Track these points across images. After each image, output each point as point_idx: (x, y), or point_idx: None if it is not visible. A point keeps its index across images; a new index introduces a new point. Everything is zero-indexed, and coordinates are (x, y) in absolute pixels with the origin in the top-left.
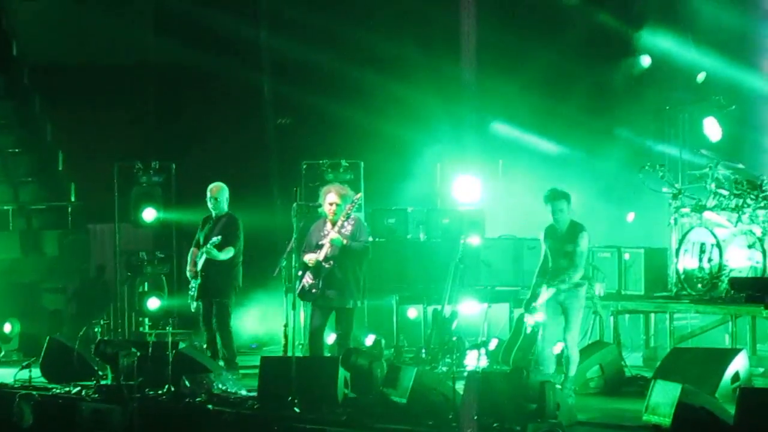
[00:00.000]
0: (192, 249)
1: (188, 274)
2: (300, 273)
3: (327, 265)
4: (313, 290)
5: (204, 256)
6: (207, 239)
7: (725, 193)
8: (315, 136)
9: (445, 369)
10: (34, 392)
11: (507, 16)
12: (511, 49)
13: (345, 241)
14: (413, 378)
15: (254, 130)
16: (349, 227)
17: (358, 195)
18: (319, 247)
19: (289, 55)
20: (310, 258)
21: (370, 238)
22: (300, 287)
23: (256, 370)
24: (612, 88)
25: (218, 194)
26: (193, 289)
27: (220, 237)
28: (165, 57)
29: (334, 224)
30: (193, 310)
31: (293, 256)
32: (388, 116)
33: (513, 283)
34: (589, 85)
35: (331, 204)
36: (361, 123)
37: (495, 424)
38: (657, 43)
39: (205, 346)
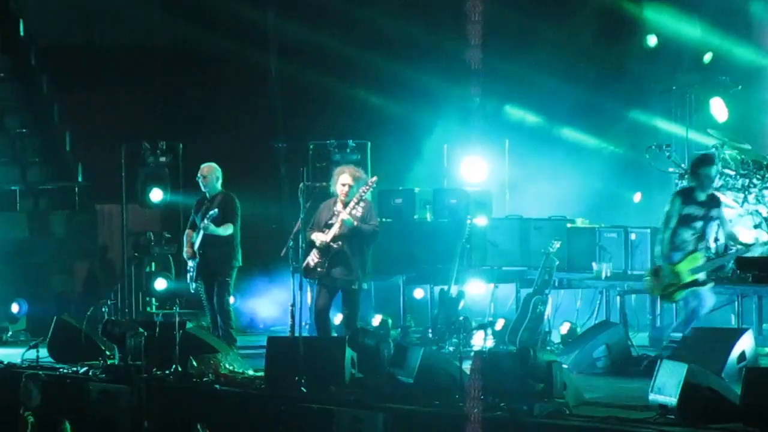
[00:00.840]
0: (187, 231)
1: (185, 255)
2: (306, 250)
3: (335, 246)
4: (319, 269)
5: (201, 235)
6: (203, 219)
7: (731, 173)
8: (322, 117)
9: (452, 349)
10: (42, 372)
11: None
12: (519, 30)
13: (356, 223)
14: (420, 358)
15: (261, 111)
16: (360, 210)
17: (374, 179)
18: (329, 226)
19: (296, 36)
20: (318, 237)
21: (379, 221)
22: (305, 264)
23: (263, 350)
24: (619, 68)
25: (209, 174)
26: (192, 269)
27: (217, 210)
28: (172, 37)
29: (345, 205)
30: (192, 291)
31: (300, 236)
32: (395, 97)
33: (519, 263)
34: (595, 65)
35: (344, 185)
36: (369, 103)
37: (502, 404)
38: (663, 23)
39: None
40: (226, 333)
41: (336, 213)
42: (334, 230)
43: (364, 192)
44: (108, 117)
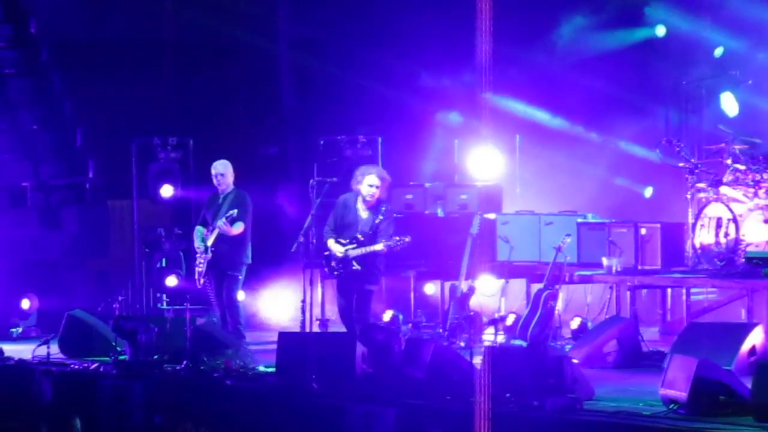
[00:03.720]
0: (198, 227)
1: (196, 246)
2: (326, 253)
3: (356, 266)
4: (335, 273)
5: (215, 232)
6: (216, 216)
7: (742, 167)
8: (333, 112)
9: (462, 344)
10: (53, 368)
11: None
12: (527, 22)
13: (384, 250)
14: (431, 353)
15: (272, 106)
16: (382, 218)
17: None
18: (348, 228)
19: (307, 30)
20: (337, 249)
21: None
22: (326, 259)
23: (272, 346)
24: (630, 61)
25: (225, 171)
26: (202, 264)
27: (237, 210)
28: (183, 32)
29: (370, 209)
30: (199, 286)
31: (310, 232)
32: (406, 91)
33: (530, 258)
34: (607, 58)
35: (371, 185)
36: (379, 98)
37: (513, 399)
38: (673, 16)
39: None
40: (235, 329)
41: (357, 214)
42: (357, 252)
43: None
44: (119, 112)
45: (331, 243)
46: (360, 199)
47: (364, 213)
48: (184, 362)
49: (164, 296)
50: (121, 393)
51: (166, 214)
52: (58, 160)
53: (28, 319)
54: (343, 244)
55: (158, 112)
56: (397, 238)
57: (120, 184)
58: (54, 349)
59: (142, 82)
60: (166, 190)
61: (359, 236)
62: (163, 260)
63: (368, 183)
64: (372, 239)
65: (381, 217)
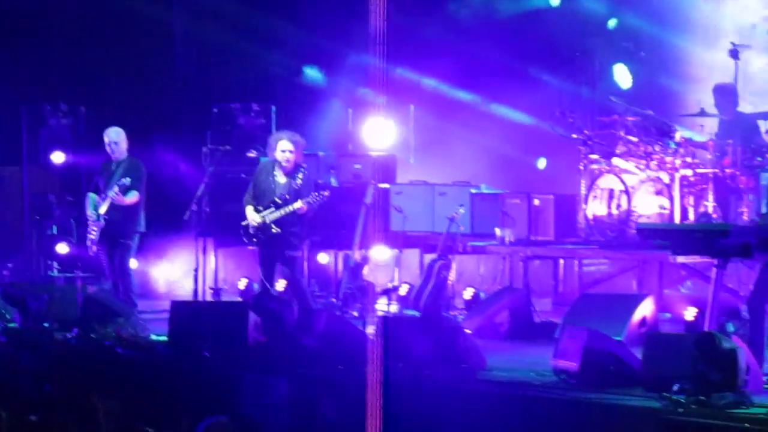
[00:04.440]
0: (90, 194)
1: (88, 213)
2: (244, 222)
3: (275, 229)
4: (254, 240)
5: (108, 201)
6: (109, 183)
7: (634, 139)
8: (227, 80)
9: (355, 314)
10: None
11: None
12: None
13: (304, 208)
14: (324, 323)
15: (164, 73)
16: (300, 182)
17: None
18: (265, 194)
19: None
20: (254, 218)
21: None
22: (244, 228)
23: (164, 315)
24: (525, 32)
25: (118, 138)
26: (94, 232)
27: (129, 179)
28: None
29: (287, 175)
30: (91, 254)
31: (203, 200)
32: (300, 60)
33: (423, 228)
34: (499, 28)
35: (283, 151)
36: (273, 67)
37: (405, 369)
38: None
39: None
40: (127, 297)
41: (275, 180)
42: (278, 214)
43: (313, 202)
44: (9, 79)
45: (248, 210)
46: (277, 165)
47: (281, 179)
48: (75, 330)
49: (55, 264)
50: (10, 361)
51: (57, 181)
52: None
53: None
54: (260, 211)
55: (50, 80)
56: (316, 193)
57: (9, 151)
58: None
59: (34, 49)
60: (57, 157)
61: (277, 200)
62: (54, 227)
63: (281, 149)
64: (290, 203)
65: (300, 181)
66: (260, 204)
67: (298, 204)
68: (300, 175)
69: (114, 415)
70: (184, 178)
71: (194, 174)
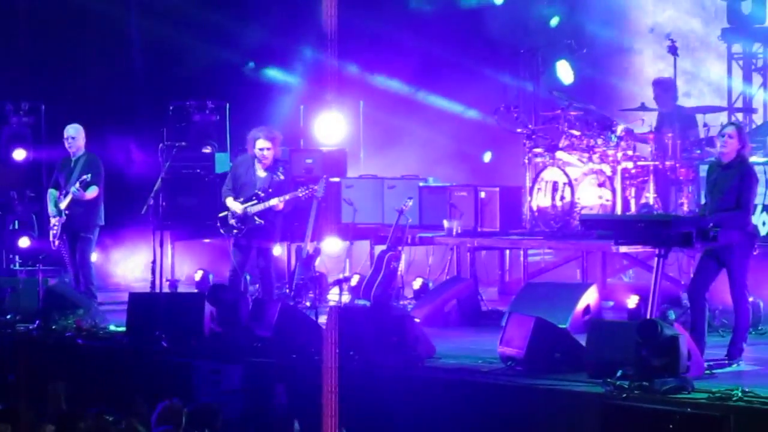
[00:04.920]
0: (51, 190)
1: (50, 212)
2: (223, 213)
3: (258, 220)
4: (234, 231)
5: (69, 196)
6: (68, 179)
7: (577, 133)
8: (182, 78)
9: (308, 304)
10: None
11: None
12: None
13: (281, 206)
14: (278, 313)
15: (122, 71)
16: (282, 176)
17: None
18: (257, 196)
19: None
20: (237, 208)
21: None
22: (222, 219)
23: (123, 306)
24: (468, 27)
25: (77, 135)
26: (56, 227)
27: (90, 174)
28: None
29: (266, 169)
30: (54, 248)
31: (161, 194)
32: (253, 57)
33: (373, 220)
34: (445, 24)
35: (261, 149)
36: (226, 65)
37: (357, 356)
38: None
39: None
40: (87, 289)
41: (255, 174)
42: (258, 209)
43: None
44: None
45: (230, 201)
46: (256, 160)
47: (262, 173)
48: (37, 322)
49: (17, 257)
50: None
51: (18, 177)
52: None
53: None
54: (242, 202)
55: (10, 78)
56: (304, 187)
57: None
58: None
59: None
60: (19, 154)
61: (259, 192)
62: (16, 222)
63: (259, 147)
64: (272, 196)
65: (280, 176)
66: (241, 196)
67: (275, 201)
68: (281, 169)
69: (68, 400)
70: (141, 173)
71: (151, 169)
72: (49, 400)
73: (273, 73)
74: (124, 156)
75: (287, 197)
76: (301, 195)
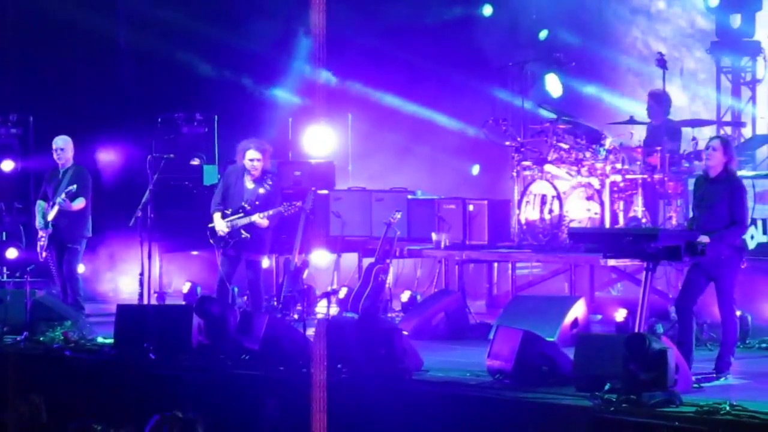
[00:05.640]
0: (39, 201)
1: (37, 225)
2: (211, 225)
3: (244, 234)
4: (222, 243)
5: (56, 208)
6: (56, 190)
7: (565, 146)
8: (170, 90)
9: (296, 317)
10: None
11: None
12: (359, 2)
13: (265, 222)
14: (265, 325)
15: (111, 84)
16: (269, 188)
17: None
18: (243, 209)
19: (144, 8)
20: (222, 227)
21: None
22: (211, 231)
23: (111, 318)
24: (457, 41)
25: (66, 146)
26: (44, 238)
27: (76, 185)
28: (22, 9)
29: (256, 181)
30: (41, 260)
31: (149, 206)
32: (241, 70)
33: (361, 233)
34: (435, 37)
35: (251, 160)
36: (215, 77)
37: (344, 369)
38: None
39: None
40: (74, 301)
41: (243, 186)
42: (244, 222)
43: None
44: None
45: (216, 218)
46: (246, 171)
47: (250, 185)
48: (24, 334)
49: (4, 269)
50: None
51: (6, 188)
52: None
53: None
54: (228, 215)
55: None
56: (287, 204)
57: None
58: None
59: None
60: (7, 165)
61: (245, 205)
62: (3, 233)
63: (249, 158)
64: (258, 209)
65: (268, 187)
66: (229, 207)
67: (256, 218)
68: (269, 181)
69: (49, 412)
70: (129, 185)
71: (139, 181)
72: (30, 412)
73: (261, 86)
74: (112, 168)
75: (271, 212)
76: (284, 211)
